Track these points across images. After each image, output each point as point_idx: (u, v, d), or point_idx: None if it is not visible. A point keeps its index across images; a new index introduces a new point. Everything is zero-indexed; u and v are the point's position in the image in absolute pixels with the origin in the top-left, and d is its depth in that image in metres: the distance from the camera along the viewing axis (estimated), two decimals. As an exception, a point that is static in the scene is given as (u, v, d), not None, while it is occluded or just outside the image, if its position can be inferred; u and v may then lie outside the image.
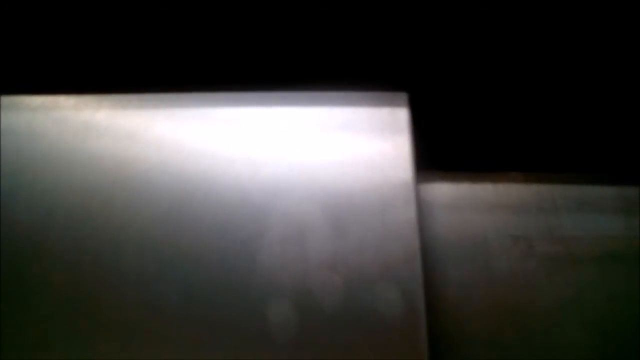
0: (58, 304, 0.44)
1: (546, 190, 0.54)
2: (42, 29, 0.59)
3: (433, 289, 0.46)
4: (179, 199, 0.48)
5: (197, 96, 0.54)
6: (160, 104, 0.53)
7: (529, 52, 0.58)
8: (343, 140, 0.51)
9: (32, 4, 0.57)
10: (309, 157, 0.50)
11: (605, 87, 0.59)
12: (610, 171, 0.56)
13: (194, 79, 0.57)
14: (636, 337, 0.47)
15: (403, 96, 0.53)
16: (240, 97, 0.54)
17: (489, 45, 0.58)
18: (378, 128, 0.51)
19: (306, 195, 0.47)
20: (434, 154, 0.55)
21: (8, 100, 0.53)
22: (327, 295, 0.43)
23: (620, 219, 0.53)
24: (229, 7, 0.57)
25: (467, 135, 0.58)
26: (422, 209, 0.49)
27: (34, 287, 0.44)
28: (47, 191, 0.48)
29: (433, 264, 0.48)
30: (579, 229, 0.52)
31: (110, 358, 0.42)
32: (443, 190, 0.53)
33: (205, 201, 0.48)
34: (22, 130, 0.51)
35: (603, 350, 0.47)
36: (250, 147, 0.50)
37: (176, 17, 0.58)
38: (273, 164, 0.49)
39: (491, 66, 0.59)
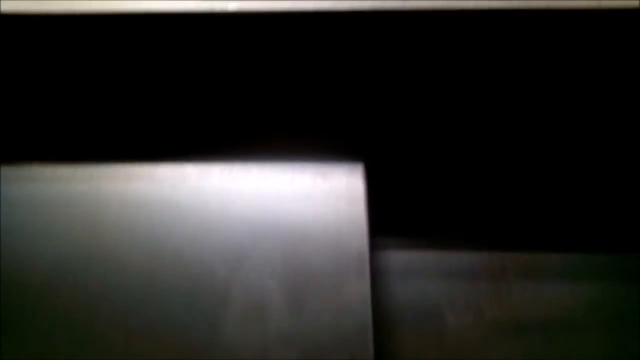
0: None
1: (496, 257, 0.57)
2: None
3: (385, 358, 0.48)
4: (148, 272, 0.50)
5: (163, 168, 0.56)
6: (130, 176, 0.56)
7: (484, 123, 0.61)
8: (301, 211, 0.53)
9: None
10: (269, 228, 0.52)
11: (553, 156, 0.62)
12: (558, 238, 0.59)
13: (158, 149, 0.60)
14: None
15: (359, 167, 0.56)
16: (203, 169, 0.56)
17: (444, 114, 0.61)
18: (334, 199, 0.54)
19: (266, 268, 0.49)
20: (389, 219, 0.58)
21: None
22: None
23: (566, 285, 0.56)
24: (192, 80, 0.60)
25: (422, 201, 0.61)
26: (376, 278, 0.51)
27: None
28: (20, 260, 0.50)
29: (386, 333, 0.50)
30: (528, 295, 0.55)
31: None
32: (397, 258, 0.56)
33: (172, 273, 0.50)
34: None
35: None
36: (213, 218, 0.53)
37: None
38: (234, 236, 0.52)
39: (448, 134, 0.62)
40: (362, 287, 0.48)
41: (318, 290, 0.48)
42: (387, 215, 0.57)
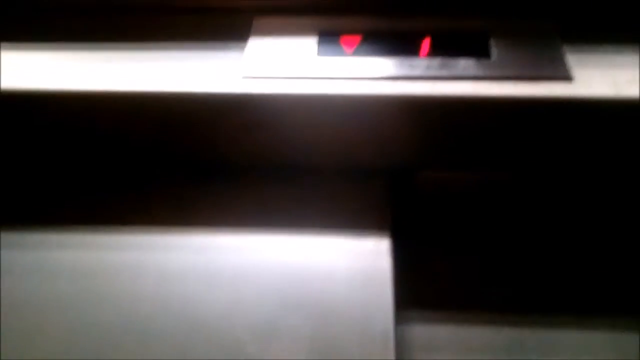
0: None
1: (516, 333, 0.58)
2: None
3: None
4: (181, 344, 0.52)
5: (198, 238, 0.59)
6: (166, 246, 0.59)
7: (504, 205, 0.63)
8: (330, 287, 0.55)
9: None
10: (299, 303, 0.54)
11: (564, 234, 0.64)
12: (576, 315, 0.61)
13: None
14: None
15: (386, 243, 0.58)
16: (237, 240, 0.59)
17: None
18: (362, 276, 0.56)
19: (295, 344, 0.51)
20: (414, 293, 0.60)
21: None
22: None
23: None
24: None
25: (446, 275, 0.63)
26: (401, 350, 0.53)
27: None
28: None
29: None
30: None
31: None
32: (421, 332, 0.58)
33: (204, 346, 0.52)
34: None
35: None
36: (246, 291, 0.55)
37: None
38: (265, 310, 0.54)
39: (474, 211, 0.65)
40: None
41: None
42: (412, 290, 0.59)
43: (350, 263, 0.57)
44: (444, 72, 0.57)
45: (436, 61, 0.59)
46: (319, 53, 0.60)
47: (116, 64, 0.61)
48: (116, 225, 0.60)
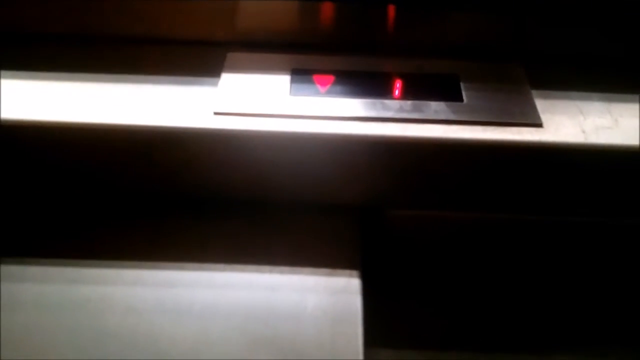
0: None
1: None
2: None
3: None
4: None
5: (165, 272, 0.58)
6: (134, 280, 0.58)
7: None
8: (299, 326, 0.55)
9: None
10: (267, 342, 0.54)
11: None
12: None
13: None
14: None
15: (356, 282, 0.58)
16: (203, 275, 0.58)
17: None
18: (331, 316, 0.56)
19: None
20: (384, 331, 0.59)
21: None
22: None
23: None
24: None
25: (416, 313, 0.63)
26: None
27: None
28: None
29: None
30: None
31: None
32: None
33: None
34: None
35: None
36: (214, 327, 0.55)
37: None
38: (233, 349, 0.53)
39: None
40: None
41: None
42: (381, 329, 0.58)
43: (320, 301, 0.57)
44: (415, 115, 0.58)
45: (408, 103, 0.59)
46: (292, 91, 0.60)
47: (86, 95, 0.60)
48: (82, 259, 0.59)
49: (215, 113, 0.58)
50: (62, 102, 0.59)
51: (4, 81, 0.61)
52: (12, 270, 0.58)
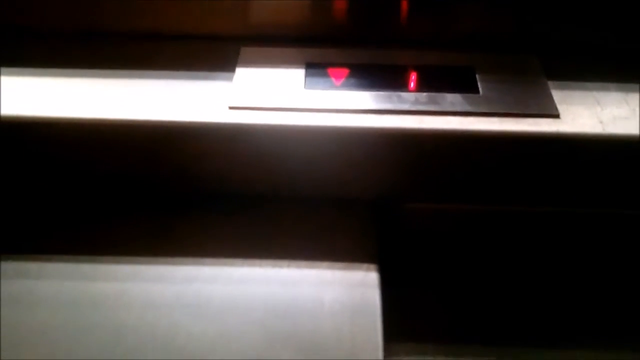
0: None
1: None
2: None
3: None
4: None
5: (183, 269, 0.58)
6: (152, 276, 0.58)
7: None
8: (318, 320, 0.55)
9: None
10: (285, 337, 0.54)
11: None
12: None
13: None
14: None
15: (374, 275, 0.58)
16: (221, 271, 0.58)
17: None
18: (350, 310, 0.55)
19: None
20: (403, 326, 0.59)
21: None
22: None
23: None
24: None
25: (434, 306, 0.62)
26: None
27: None
28: None
29: None
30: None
31: None
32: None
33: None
34: None
35: None
36: (232, 322, 0.55)
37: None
38: (251, 344, 0.53)
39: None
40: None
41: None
42: (399, 322, 0.58)
43: (339, 295, 0.57)
44: (431, 107, 0.57)
45: (424, 95, 0.59)
46: (306, 84, 0.60)
47: (101, 91, 0.60)
48: (101, 255, 0.59)
49: (231, 107, 0.58)
50: (77, 98, 0.59)
51: (15, 77, 0.61)
52: (30, 267, 0.58)
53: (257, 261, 0.59)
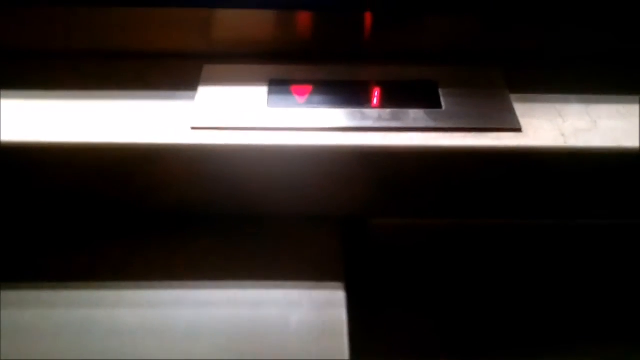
0: None
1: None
2: None
3: None
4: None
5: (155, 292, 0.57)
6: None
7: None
8: (284, 339, 0.55)
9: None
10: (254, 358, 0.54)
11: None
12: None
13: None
14: None
15: (340, 294, 0.57)
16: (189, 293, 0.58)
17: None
18: (317, 327, 0.55)
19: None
20: (369, 343, 0.59)
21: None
22: None
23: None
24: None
25: (401, 323, 0.62)
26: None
27: None
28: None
29: None
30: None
31: None
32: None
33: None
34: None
35: None
36: (195, 347, 0.54)
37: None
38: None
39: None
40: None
41: None
42: (365, 340, 0.58)
43: (305, 316, 0.56)
44: (394, 123, 0.57)
45: (387, 111, 0.58)
46: (269, 102, 0.59)
47: (60, 113, 0.59)
48: (61, 282, 0.58)
49: (193, 128, 0.57)
50: (32, 121, 0.58)
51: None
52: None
53: (223, 282, 0.59)
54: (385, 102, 0.59)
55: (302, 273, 0.59)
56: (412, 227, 0.63)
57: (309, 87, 0.61)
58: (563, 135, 0.58)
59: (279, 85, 0.61)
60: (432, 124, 0.58)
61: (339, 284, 0.58)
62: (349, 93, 0.60)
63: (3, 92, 0.60)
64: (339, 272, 0.59)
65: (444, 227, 0.63)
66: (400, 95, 0.60)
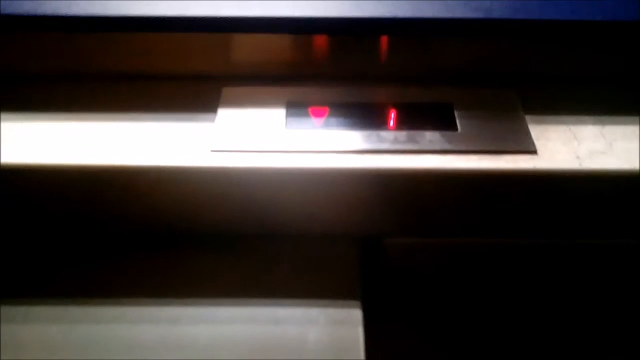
0: None
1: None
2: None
3: None
4: None
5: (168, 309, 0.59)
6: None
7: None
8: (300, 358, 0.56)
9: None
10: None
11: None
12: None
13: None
14: None
15: (357, 313, 0.58)
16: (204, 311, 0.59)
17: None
18: (333, 347, 0.56)
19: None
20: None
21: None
22: None
23: None
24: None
25: (417, 342, 0.63)
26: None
27: None
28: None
29: None
30: None
31: None
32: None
33: None
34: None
35: None
36: None
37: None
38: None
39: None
40: None
41: None
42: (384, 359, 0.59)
43: (322, 334, 0.57)
44: (410, 146, 0.58)
45: (403, 134, 0.59)
46: (287, 125, 0.61)
47: (79, 135, 0.60)
48: (82, 298, 0.59)
49: (213, 150, 0.59)
50: (53, 143, 0.59)
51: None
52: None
53: (241, 300, 0.60)
54: (401, 124, 0.60)
55: (319, 291, 0.60)
56: (427, 247, 0.64)
57: (326, 109, 0.62)
58: (578, 157, 0.58)
59: (296, 107, 0.62)
60: (447, 147, 0.58)
61: (356, 302, 0.59)
62: (365, 115, 0.61)
63: (26, 115, 0.62)
64: (355, 291, 0.60)
65: (458, 247, 0.64)
66: (416, 117, 0.61)
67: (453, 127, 0.60)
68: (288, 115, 0.61)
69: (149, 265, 0.62)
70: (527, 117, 0.62)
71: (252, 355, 0.56)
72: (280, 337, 0.57)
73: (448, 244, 0.64)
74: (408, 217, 0.62)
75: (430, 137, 0.59)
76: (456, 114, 0.61)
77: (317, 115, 0.62)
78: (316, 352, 0.56)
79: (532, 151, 0.58)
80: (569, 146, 0.59)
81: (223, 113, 0.62)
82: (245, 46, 0.65)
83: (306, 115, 0.62)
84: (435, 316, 0.63)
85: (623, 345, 0.62)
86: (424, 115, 0.61)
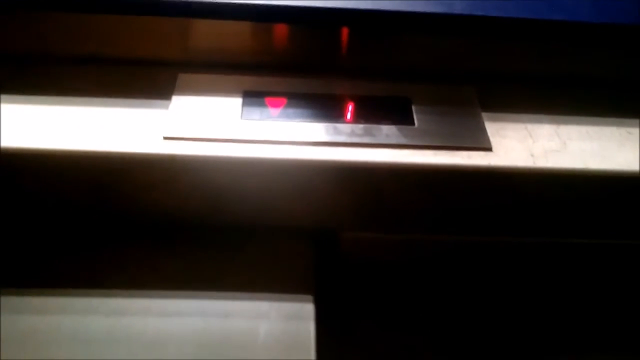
0: None
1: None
2: None
3: None
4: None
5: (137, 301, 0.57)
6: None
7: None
8: (251, 352, 0.55)
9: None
10: None
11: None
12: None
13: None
14: None
15: (309, 307, 0.58)
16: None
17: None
18: (284, 340, 0.56)
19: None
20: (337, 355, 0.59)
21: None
22: None
23: None
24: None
25: (369, 336, 0.63)
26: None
27: None
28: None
29: None
30: None
31: None
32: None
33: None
34: None
35: None
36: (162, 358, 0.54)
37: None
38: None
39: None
40: None
41: None
42: (333, 353, 0.58)
43: (274, 328, 0.57)
44: (366, 139, 0.58)
45: (360, 127, 0.59)
46: (243, 114, 0.60)
47: (32, 119, 0.58)
48: (28, 288, 0.58)
49: (165, 137, 0.57)
50: (6, 126, 0.57)
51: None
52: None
53: (192, 292, 0.59)
54: (358, 117, 0.60)
55: (271, 284, 0.60)
56: (382, 241, 0.64)
57: (284, 100, 0.61)
58: (532, 155, 0.58)
59: (253, 96, 0.61)
60: (403, 141, 0.58)
61: (308, 297, 0.59)
62: (323, 107, 0.61)
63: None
64: (308, 285, 0.60)
65: (413, 242, 0.64)
66: (373, 111, 0.60)
67: (410, 121, 0.60)
68: (244, 104, 0.60)
69: (95, 256, 0.61)
70: (484, 114, 0.62)
71: (199, 350, 0.55)
72: (229, 331, 0.57)
73: (402, 239, 0.63)
74: (364, 211, 0.62)
75: (387, 131, 0.59)
76: (414, 108, 0.61)
77: (274, 105, 0.61)
78: (266, 347, 0.56)
79: (488, 148, 0.58)
80: (524, 144, 0.59)
81: (178, 100, 0.61)
82: (203, 32, 0.63)
83: (263, 104, 0.61)
84: (388, 311, 0.63)
85: (613, 344, 0.63)
86: (382, 109, 0.61)
